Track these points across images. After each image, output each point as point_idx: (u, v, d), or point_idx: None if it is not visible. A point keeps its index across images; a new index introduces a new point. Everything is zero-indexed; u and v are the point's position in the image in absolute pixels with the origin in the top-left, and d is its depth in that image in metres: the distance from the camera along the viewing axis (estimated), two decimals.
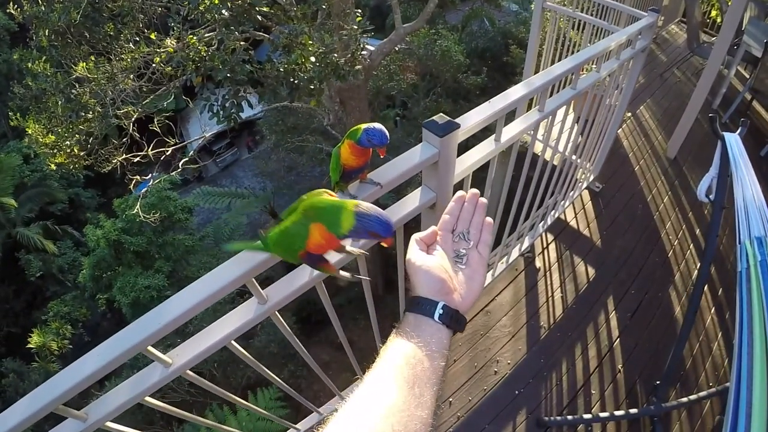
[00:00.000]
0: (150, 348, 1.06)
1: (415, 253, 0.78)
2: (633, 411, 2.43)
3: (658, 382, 2.39)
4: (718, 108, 5.40)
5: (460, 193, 0.87)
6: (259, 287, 1.19)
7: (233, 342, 1.25)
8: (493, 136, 1.58)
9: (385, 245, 0.91)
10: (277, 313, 1.30)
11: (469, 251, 0.82)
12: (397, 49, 7.53)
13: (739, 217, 1.70)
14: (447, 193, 1.41)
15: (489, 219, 0.84)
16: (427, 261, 0.76)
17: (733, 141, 1.83)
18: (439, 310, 0.71)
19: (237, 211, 10.88)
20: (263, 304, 1.24)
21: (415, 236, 0.81)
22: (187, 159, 6.85)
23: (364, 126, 1.07)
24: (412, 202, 1.38)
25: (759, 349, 1.55)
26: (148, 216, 7.33)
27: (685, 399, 2.54)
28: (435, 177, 1.35)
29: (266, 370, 1.56)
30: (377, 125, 1.07)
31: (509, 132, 1.63)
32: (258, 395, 6.35)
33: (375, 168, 1.26)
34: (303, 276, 1.27)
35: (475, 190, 0.87)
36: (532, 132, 1.88)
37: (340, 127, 6.87)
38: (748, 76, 5.71)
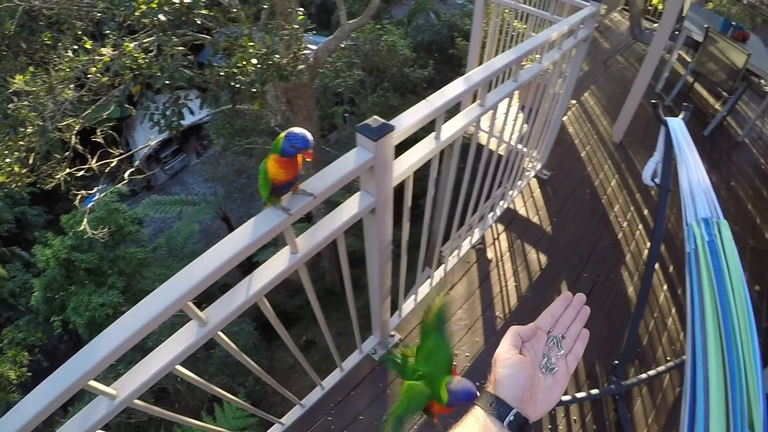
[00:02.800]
0: (92, 383, 0.99)
1: (508, 349, 0.76)
2: (594, 392, 2.46)
3: (616, 362, 2.43)
4: (661, 91, 5.56)
5: (567, 294, 0.83)
6: (197, 310, 1.13)
7: (178, 367, 1.19)
8: (433, 134, 1.54)
9: None
10: (220, 333, 1.24)
11: (558, 360, 0.78)
12: (343, 45, 7.46)
13: (684, 200, 1.73)
14: (387, 197, 1.37)
15: (585, 331, 0.80)
16: (517, 363, 0.73)
17: (676, 126, 1.86)
18: (510, 417, 0.69)
19: (189, 219, 10.61)
20: (204, 326, 1.18)
21: (514, 330, 0.78)
22: (132, 169, 6.63)
23: (283, 134, 1.01)
24: (350, 208, 1.33)
25: (711, 325, 1.57)
26: (96, 231, 7.05)
27: (644, 375, 2.60)
28: (373, 181, 1.30)
29: (216, 389, 1.49)
30: (297, 129, 1.00)
31: (450, 129, 1.60)
32: (225, 407, 6.21)
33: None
34: (241, 295, 1.22)
35: (581, 296, 0.83)
36: (479, 124, 1.86)
37: (288, 127, 6.74)
38: (689, 60, 5.90)
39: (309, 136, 1.00)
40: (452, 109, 1.61)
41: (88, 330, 8.52)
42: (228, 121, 8.44)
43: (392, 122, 1.27)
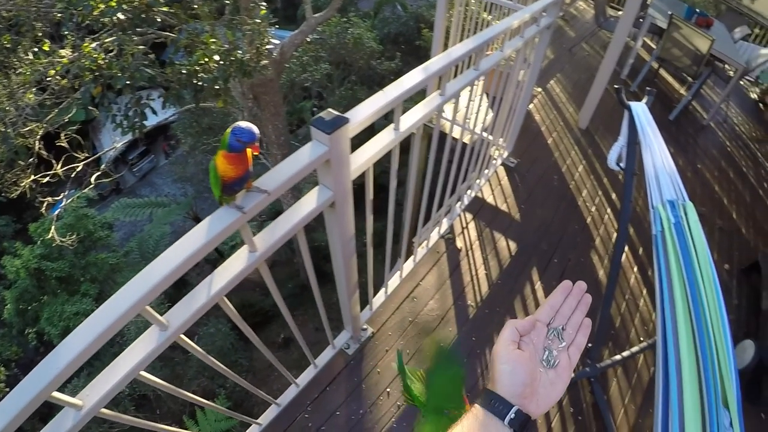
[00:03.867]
0: (55, 394, 0.96)
1: (505, 345, 0.72)
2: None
3: (590, 345, 2.45)
4: (626, 78, 5.63)
5: (566, 283, 0.79)
6: (156, 314, 1.10)
7: (143, 373, 1.15)
8: (392, 125, 1.52)
9: None
10: (183, 336, 1.21)
11: (560, 353, 0.75)
12: (309, 39, 7.39)
13: (650, 183, 1.74)
14: (345, 191, 1.35)
15: (588, 320, 0.77)
16: (514, 358, 0.71)
17: (640, 110, 1.87)
18: (511, 414, 0.66)
19: (159, 221, 10.43)
20: (165, 330, 1.14)
21: (512, 324, 0.74)
22: (99, 173, 6.48)
23: (229, 130, 0.98)
24: (309, 203, 1.31)
25: (681, 305, 1.59)
26: (64, 239, 6.90)
27: (618, 357, 2.63)
28: (330, 175, 1.27)
29: (186, 393, 1.45)
30: (243, 123, 0.97)
31: (410, 119, 1.58)
32: (207, 410, 6.16)
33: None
34: (201, 296, 1.19)
35: (582, 284, 0.80)
36: (441, 113, 1.85)
37: (256, 124, 6.67)
38: (654, 47, 5.99)
39: (255, 129, 0.98)
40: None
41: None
42: (195, 119, 8.32)
43: (347, 114, 1.24)
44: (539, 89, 4.83)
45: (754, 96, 7.08)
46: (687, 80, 5.66)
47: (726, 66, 5.60)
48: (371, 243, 1.86)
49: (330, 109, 1.21)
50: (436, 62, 1.62)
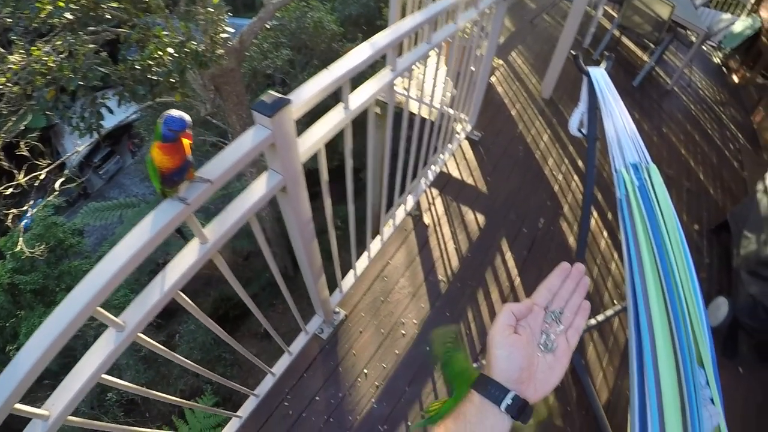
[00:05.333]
0: (18, 406, 0.93)
1: (501, 329, 0.71)
2: None
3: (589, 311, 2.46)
4: (588, 47, 5.66)
5: (564, 265, 0.78)
6: (110, 315, 1.06)
7: (105, 376, 1.13)
8: (342, 104, 1.48)
9: None
10: (141, 335, 1.17)
11: (558, 336, 0.72)
12: (268, 26, 7.24)
13: (612, 148, 1.75)
14: (296, 174, 1.32)
15: (587, 303, 0.75)
16: (511, 342, 0.69)
17: (599, 75, 1.87)
18: (507, 400, 0.66)
19: (130, 222, 10.14)
20: (122, 331, 1.11)
21: (508, 308, 0.72)
22: (63, 179, 6.32)
23: (161, 120, 0.95)
24: (259, 188, 1.27)
25: (649, 267, 1.59)
26: (33, 250, 6.74)
27: (593, 321, 2.67)
28: (277, 159, 1.24)
29: (155, 393, 1.42)
30: (173, 111, 0.95)
31: (360, 96, 1.54)
32: (196, 412, 6.11)
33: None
34: (155, 293, 1.16)
35: (580, 266, 0.77)
36: (394, 89, 1.82)
37: (220, 116, 6.55)
38: (615, 15, 6.02)
39: (185, 116, 0.95)
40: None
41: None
42: (157, 116, 8.12)
43: (291, 95, 1.21)
44: (501, 62, 4.82)
45: (717, 60, 7.20)
46: (649, 47, 5.71)
47: (688, 32, 5.66)
48: (333, 225, 1.84)
49: (271, 92, 1.18)
50: (384, 37, 1.59)
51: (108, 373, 1.13)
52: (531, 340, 0.71)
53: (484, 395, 0.66)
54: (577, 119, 1.99)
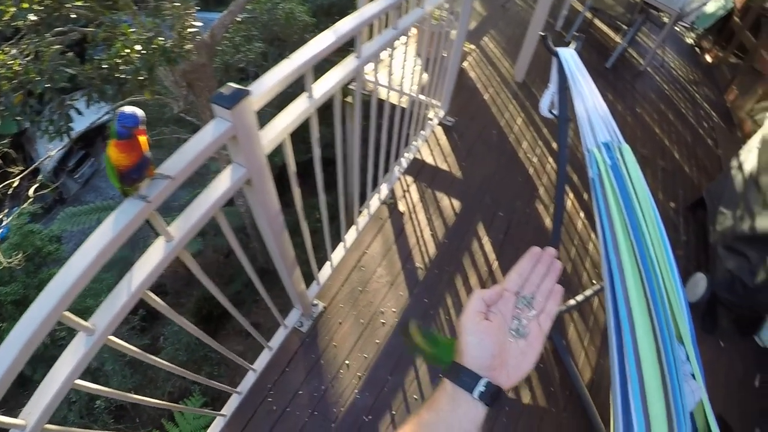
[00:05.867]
0: None
1: (471, 316, 0.69)
2: None
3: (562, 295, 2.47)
4: (561, 29, 5.67)
5: (534, 249, 0.76)
6: (78, 319, 1.04)
7: (79, 381, 1.11)
8: (306, 93, 1.46)
9: None
10: (112, 337, 1.15)
11: (530, 322, 0.71)
12: (239, 19, 7.15)
13: (583, 128, 1.74)
14: (260, 166, 1.29)
15: (559, 287, 0.73)
16: (481, 329, 0.68)
17: (568, 55, 1.86)
18: (480, 387, 0.65)
19: None
20: (92, 335, 1.09)
21: (478, 294, 0.70)
22: (37, 185, 6.21)
23: (114, 117, 0.93)
24: (224, 182, 1.25)
25: (624, 245, 1.59)
26: (10, 260, 6.62)
27: (572, 301, 2.69)
28: (240, 151, 1.22)
29: (133, 396, 1.40)
30: (126, 108, 0.92)
31: (325, 85, 1.52)
32: (186, 416, 6.08)
33: None
34: (123, 294, 1.14)
35: (552, 250, 0.76)
36: (362, 77, 1.80)
37: (194, 112, 6.47)
38: None
39: (138, 111, 0.93)
40: None
41: (30, 366, 8.04)
42: None
43: (251, 86, 1.19)
44: (473, 46, 4.81)
45: (690, 41, 7.27)
46: (622, 28, 5.74)
47: (660, 13, 5.69)
48: (303, 217, 1.82)
49: (230, 83, 1.15)
50: (347, 23, 1.56)
51: (93, 379, 1.11)
52: (502, 326, 0.70)
53: (456, 383, 0.65)
54: (547, 100, 1.99)
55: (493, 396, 0.64)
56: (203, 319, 7.76)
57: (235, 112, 1.11)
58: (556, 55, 1.86)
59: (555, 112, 1.98)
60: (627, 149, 1.72)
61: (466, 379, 0.65)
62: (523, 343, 0.70)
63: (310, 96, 1.45)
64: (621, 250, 1.60)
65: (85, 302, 7.48)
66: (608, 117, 1.76)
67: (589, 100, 1.76)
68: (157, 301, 1.26)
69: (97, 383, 1.14)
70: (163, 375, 7.01)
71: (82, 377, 1.09)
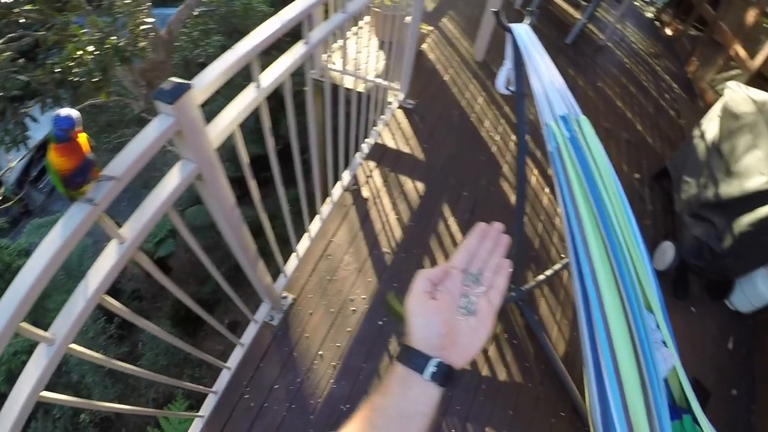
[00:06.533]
0: None
1: (417, 297, 0.68)
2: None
3: (510, 269, 2.48)
4: (520, 7, 5.67)
5: (481, 225, 0.74)
6: (36, 330, 1.03)
7: (45, 393, 1.09)
8: (254, 83, 1.43)
9: None
10: (74, 346, 1.13)
11: (479, 298, 0.70)
12: (196, 13, 7.02)
13: (539, 102, 1.73)
14: (209, 160, 1.27)
15: (507, 261, 0.73)
16: (427, 309, 0.67)
17: (522, 31, 1.85)
18: (431, 368, 0.63)
19: None
20: (52, 344, 1.07)
21: (423, 274, 0.69)
22: (0, 198, 6.06)
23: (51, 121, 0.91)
24: (173, 179, 1.22)
25: (587, 217, 1.60)
26: None
27: (542, 276, 2.71)
28: (188, 146, 1.19)
29: (108, 405, 1.38)
30: (61, 111, 0.90)
31: (272, 74, 1.49)
32: (171, 420, 6.02)
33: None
34: (79, 301, 1.12)
35: (499, 225, 0.75)
36: (311, 63, 1.78)
37: (154, 110, 6.36)
38: None
39: (74, 113, 0.91)
40: None
41: (8, 385, 7.87)
42: (91, 118, 7.80)
43: (194, 79, 1.17)
44: (431, 28, 4.78)
45: (649, 15, 7.36)
46: (581, 4, 5.77)
47: None
48: (262, 209, 1.80)
49: (172, 78, 1.13)
50: (293, 8, 1.53)
51: (75, 392, 1.09)
52: (450, 305, 0.69)
53: (407, 365, 0.64)
54: (503, 77, 1.98)
55: (446, 376, 0.64)
56: (182, 320, 7.66)
57: (178, 107, 1.09)
58: (510, 31, 1.85)
59: (512, 88, 1.97)
60: (585, 121, 1.73)
61: (416, 360, 0.64)
62: (473, 320, 0.69)
63: (258, 86, 1.42)
64: (584, 221, 1.61)
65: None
66: (565, 90, 1.76)
67: (545, 74, 1.75)
68: (116, 305, 1.24)
69: (79, 396, 1.12)
70: (145, 382, 6.90)
71: (62, 391, 1.07)
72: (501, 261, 0.75)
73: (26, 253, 9.00)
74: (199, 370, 7.01)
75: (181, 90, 1.09)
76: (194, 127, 1.17)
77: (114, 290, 8.21)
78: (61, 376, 6.67)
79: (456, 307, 0.70)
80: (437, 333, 0.66)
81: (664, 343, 1.75)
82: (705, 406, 2.59)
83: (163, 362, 7.26)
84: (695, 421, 1.78)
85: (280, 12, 1.49)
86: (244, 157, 1.52)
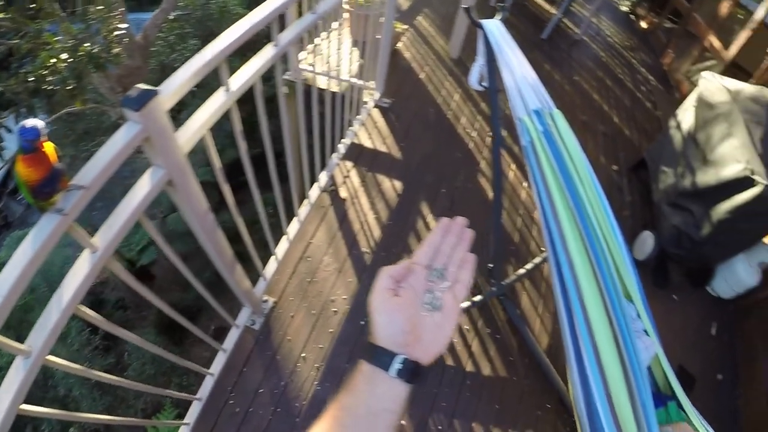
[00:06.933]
0: None
1: (379, 293, 0.67)
2: (477, 298, 2.56)
3: (490, 265, 2.50)
4: (496, 4, 5.67)
5: (444, 220, 0.75)
6: (12, 343, 1.02)
7: (24, 406, 1.08)
8: (223, 87, 1.43)
9: None
10: (51, 357, 1.13)
11: (444, 293, 0.69)
12: (172, 17, 6.95)
13: (512, 97, 1.73)
14: (180, 166, 1.27)
15: (472, 255, 0.72)
16: (390, 306, 0.66)
17: (493, 26, 1.85)
18: (397, 365, 0.63)
19: (58, 246, 9.73)
20: (28, 357, 1.07)
21: (385, 271, 0.68)
22: None
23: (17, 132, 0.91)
24: (144, 186, 1.22)
25: (563, 210, 1.61)
26: None
27: (522, 270, 2.72)
28: (158, 153, 1.19)
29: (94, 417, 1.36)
30: (26, 122, 0.90)
31: (241, 77, 1.49)
32: (161, 430, 5.97)
33: None
34: (54, 312, 1.11)
35: (462, 219, 0.74)
36: (283, 64, 1.77)
37: None
38: None
39: (39, 123, 0.90)
40: None
41: None
42: (68, 127, 7.70)
43: (161, 85, 1.16)
44: (406, 26, 4.80)
45: (624, 8, 7.41)
46: (556, 0, 5.79)
47: None
48: (237, 213, 1.79)
49: (139, 85, 1.12)
50: (262, 11, 1.52)
51: (63, 406, 1.08)
52: (414, 301, 0.69)
53: (372, 363, 0.64)
54: (476, 73, 1.99)
55: (412, 372, 0.63)
56: (167, 328, 7.61)
57: (145, 114, 1.09)
58: (481, 27, 1.85)
59: (485, 84, 1.98)
60: (558, 114, 1.73)
61: (381, 357, 0.64)
62: (438, 316, 0.69)
63: (228, 89, 1.42)
64: (560, 214, 1.61)
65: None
66: (537, 85, 1.76)
67: (517, 69, 1.76)
68: (92, 315, 1.23)
69: (67, 409, 1.11)
70: (133, 393, 6.83)
71: (50, 405, 1.06)
72: (465, 255, 0.74)
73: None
74: (186, 378, 6.95)
75: (147, 97, 1.09)
76: (162, 133, 1.16)
77: (97, 300, 8.11)
78: (48, 390, 6.60)
79: (421, 304, 0.69)
80: (400, 330, 0.65)
81: (645, 332, 1.77)
82: (690, 392, 2.65)
83: (150, 371, 7.18)
84: (680, 407, 1.80)
85: (248, 14, 1.48)
86: (216, 162, 1.51)
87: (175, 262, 1.48)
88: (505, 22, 1.90)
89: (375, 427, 0.60)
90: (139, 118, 1.09)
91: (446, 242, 0.75)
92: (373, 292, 0.69)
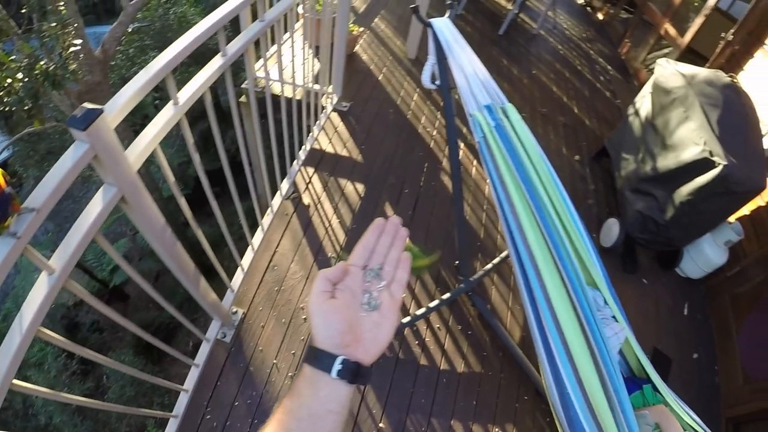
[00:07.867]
0: None
1: (316, 296, 0.68)
2: (446, 296, 2.56)
3: (457, 262, 2.52)
4: (453, 1, 5.72)
5: (378, 221, 0.76)
6: None
7: None
8: (171, 101, 1.42)
9: None
10: (17, 381, 1.11)
11: (380, 293, 0.71)
12: (131, 29, 6.87)
13: (464, 95, 1.74)
14: (132, 182, 1.26)
15: (406, 253, 0.73)
16: (326, 309, 0.67)
17: (442, 25, 1.86)
18: (337, 366, 0.63)
19: (27, 270, 9.37)
20: None
21: (322, 274, 0.68)
22: None
23: None
24: (96, 205, 1.21)
25: (520, 204, 1.63)
26: None
27: (489, 265, 2.75)
28: (108, 171, 1.18)
29: None
30: None
31: (189, 89, 1.47)
32: None
33: None
34: (15, 336, 1.09)
35: (396, 218, 0.74)
36: (229, 75, 1.75)
37: None
38: None
39: None
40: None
41: None
42: (31, 147, 7.54)
43: (107, 103, 1.15)
44: (362, 29, 4.82)
45: (580, 1, 7.53)
46: None
47: None
48: (196, 226, 1.78)
49: (85, 104, 1.11)
50: (207, 21, 1.51)
51: None
52: (351, 302, 0.70)
53: (314, 366, 0.65)
54: (428, 72, 2.00)
55: (353, 373, 0.64)
56: (145, 348, 7.48)
57: (91, 133, 1.08)
58: (430, 25, 1.86)
59: (437, 82, 2.00)
60: (511, 108, 1.74)
61: (322, 360, 0.65)
62: (376, 315, 0.70)
63: (176, 103, 1.41)
64: (517, 208, 1.63)
65: None
66: (489, 80, 1.77)
67: (467, 66, 1.77)
68: (55, 337, 1.22)
69: None
70: (115, 415, 6.77)
71: None
72: (401, 254, 0.76)
73: None
74: (168, 397, 6.87)
75: (93, 115, 1.08)
76: (111, 151, 1.16)
77: (72, 324, 7.95)
78: (29, 420, 6.46)
79: (359, 304, 0.71)
80: (338, 331, 0.66)
81: (614, 317, 1.81)
82: (668, 373, 2.72)
83: (130, 393, 7.07)
84: (655, 389, 1.83)
85: (195, 26, 1.47)
86: (170, 176, 1.50)
87: (134, 277, 1.46)
88: (461, 19, 1.91)
89: (320, 430, 0.61)
90: (86, 138, 1.08)
91: (381, 242, 0.76)
92: (310, 296, 0.70)
